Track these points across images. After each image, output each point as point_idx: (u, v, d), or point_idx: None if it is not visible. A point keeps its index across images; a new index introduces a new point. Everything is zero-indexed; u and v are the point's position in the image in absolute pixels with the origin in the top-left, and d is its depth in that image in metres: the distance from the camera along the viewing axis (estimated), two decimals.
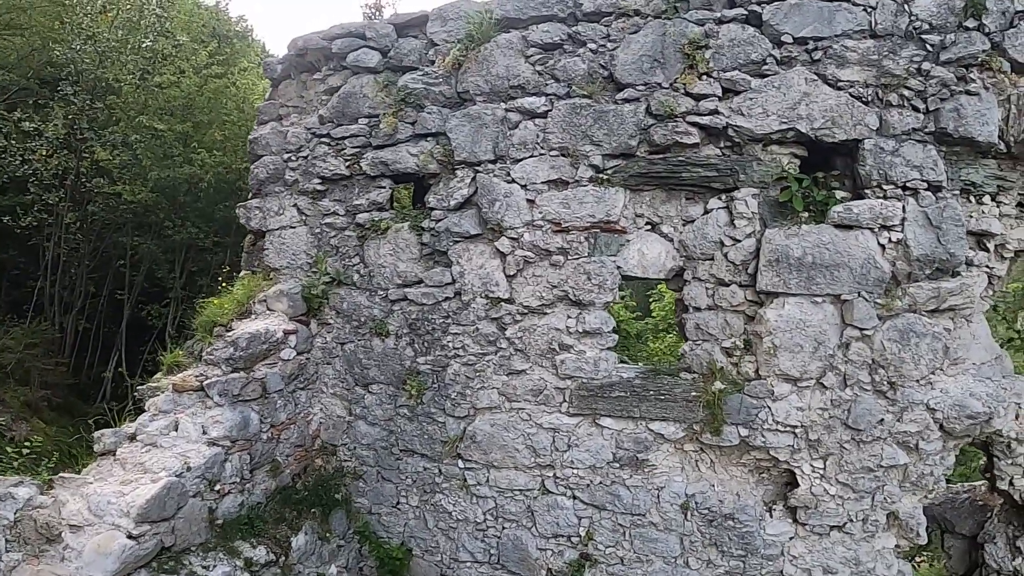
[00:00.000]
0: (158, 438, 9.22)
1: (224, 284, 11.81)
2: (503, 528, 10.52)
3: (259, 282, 10.94)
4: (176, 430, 9.32)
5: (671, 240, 9.61)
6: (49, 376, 21.59)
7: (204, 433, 9.30)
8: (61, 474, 8.99)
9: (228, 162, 19.63)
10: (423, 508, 10.77)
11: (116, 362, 21.81)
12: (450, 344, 10.37)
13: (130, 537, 7.94)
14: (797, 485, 9.59)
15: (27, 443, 13.57)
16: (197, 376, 9.75)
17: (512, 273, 10.07)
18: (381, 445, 10.79)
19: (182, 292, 21.67)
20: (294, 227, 11.06)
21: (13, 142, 19.55)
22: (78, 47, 19.90)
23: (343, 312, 10.82)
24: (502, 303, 10.14)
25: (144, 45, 20.71)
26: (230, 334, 10.00)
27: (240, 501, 9.61)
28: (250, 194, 11.51)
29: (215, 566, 8.83)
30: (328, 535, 10.51)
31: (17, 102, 21.35)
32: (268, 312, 10.56)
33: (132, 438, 9.27)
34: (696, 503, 9.77)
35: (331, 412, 11.01)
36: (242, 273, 12.05)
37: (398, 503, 10.88)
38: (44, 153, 19.28)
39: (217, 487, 9.21)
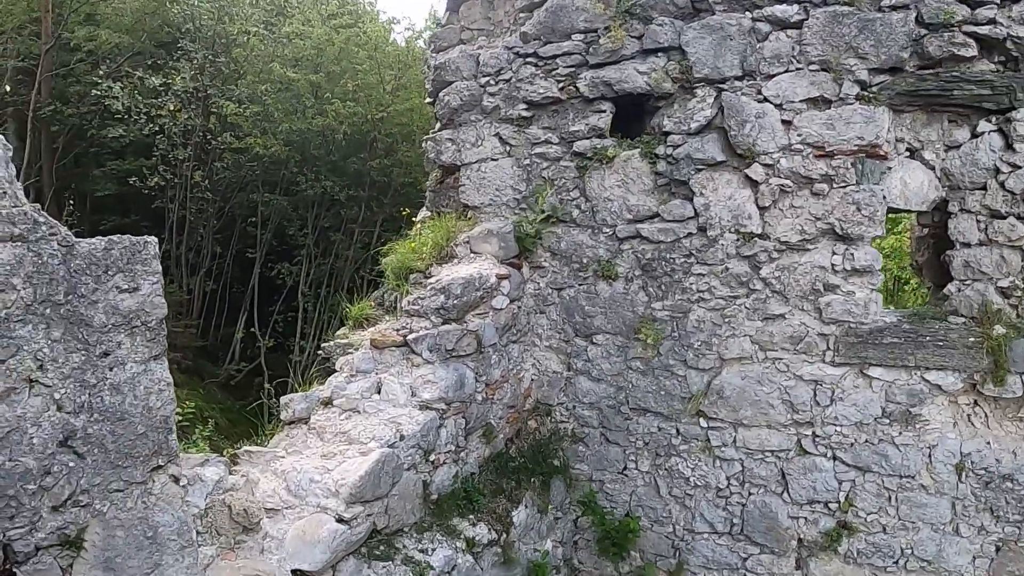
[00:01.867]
0: (360, 402, 7.61)
1: (414, 227, 9.99)
2: (749, 494, 8.84)
3: (455, 222, 9.11)
4: (379, 392, 7.72)
5: (932, 168, 8.27)
6: (178, 339, 20.41)
7: (413, 395, 7.68)
8: (246, 447, 7.39)
9: (362, 112, 17.83)
10: (655, 473, 9.02)
11: (245, 322, 20.36)
12: (693, 286, 8.58)
13: (340, 521, 6.37)
14: None
15: (176, 410, 11.97)
16: (399, 330, 8.09)
17: (766, 204, 8.42)
18: (607, 403, 9.03)
19: (314, 249, 20.06)
20: (496, 159, 9.27)
21: (139, 98, 18.07)
22: (196, 2, 18.25)
23: (560, 253, 9.03)
24: (756, 238, 8.44)
25: None
26: (435, 280, 8.28)
27: (454, 472, 8.02)
28: (437, 125, 9.70)
29: (434, 549, 7.28)
30: (546, 507, 8.76)
31: (134, 65, 19.89)
32: (473, 255, 8.80)
33: (327, 403, 7.69)
34: (972, 462, 8.30)
35: (545, 367, 9.24)
36: (421, 214, 10.27)
37: (625, 468, 9.14)
38: (172, 108, 17.74)
39: (432, 457, 7.63)
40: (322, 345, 8.74)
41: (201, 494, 5.99)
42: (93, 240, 4.58)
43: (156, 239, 4.91)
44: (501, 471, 8.55)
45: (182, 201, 20.40)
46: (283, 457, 7.15)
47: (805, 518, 8.73)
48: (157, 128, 18.17)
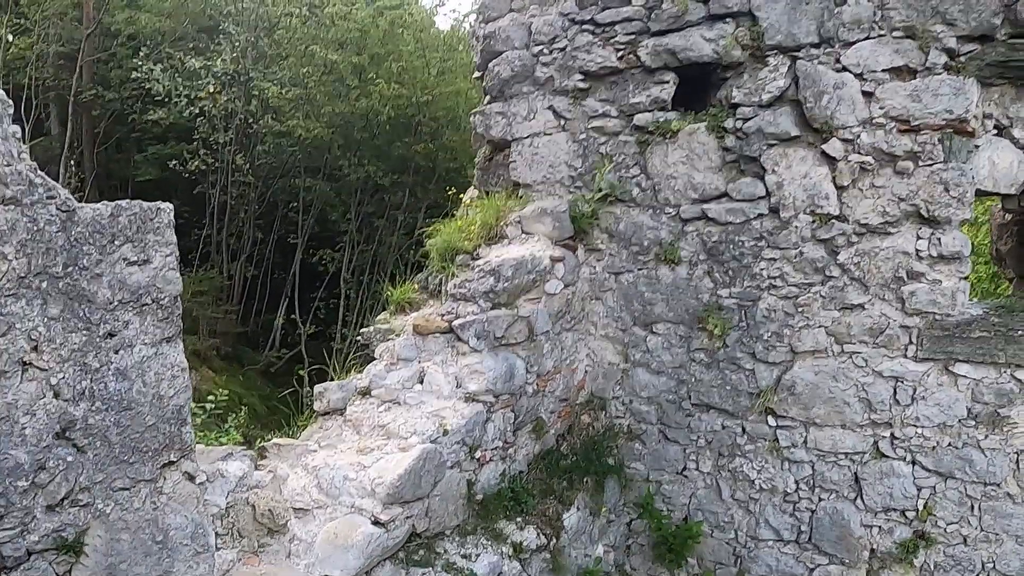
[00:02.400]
0: (400, 393, 6.96)
1: (461, 205, 9.26)
2: (819, 500, 8.04)
3: (505, 201, 8.38)
4: (421, 383, 7.08)
5: (1022, 148, 7.40)
6: (218, 324, 20.14)
7: (459, 386, 7.01)
8: (275, 440, 6.79)
9: (407, 95, 17.13)
10: (717, 475, 8.25)
11: (286, 309, 19.81)
12: (763, 272, 7.79)
13: (376, 523, 5.73)
14: None
15: (210, 397, 11.35)
16: (444, 315, 7.39)
17: (845, 183, 7.60)
18: (667, 398, 8.26)
19: (356, 236, 19.44)
20: (550, 133, 8.53)
21: (179, 80, 17.55)
22: None
23: (618, 235, 8.28)
24: (833, 221, 7.64)
25: None
26: (483, 262, 7.57)
27: (501, 471, 7.37)
28: (486, 98, 9.02)
29: (478, 555, 6.61)
30: (599, 509, 8.03)
31: (175, 49, 19.42)
32: (525, 236, 8.07)
33: (364, 393, 7.04)
34: None
35: (600, 358, 8.50)
36: (468, 194, 9.55)
37: (684, 469, 8.38)
38: (212, 90, 17.18)
39: (477, 454, 6.96)
40: (361, 331, 8.06)
41: (222, 492, 5.33)
42: (98, 205, 3.95)
43: (170, 205, 4.26)
44: (551, 470, 7.84)
45: (223, 186, 19.89)
46: (315, 451, 6.52)
47: (879, 527, 7.92)
48: (198, 111, 17.61)
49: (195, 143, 18.68)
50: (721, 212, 7.90)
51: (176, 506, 4.41)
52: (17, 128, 3.81)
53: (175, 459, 4.39)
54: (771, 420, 7.99)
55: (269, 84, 17.57)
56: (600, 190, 8.19)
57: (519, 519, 7.12)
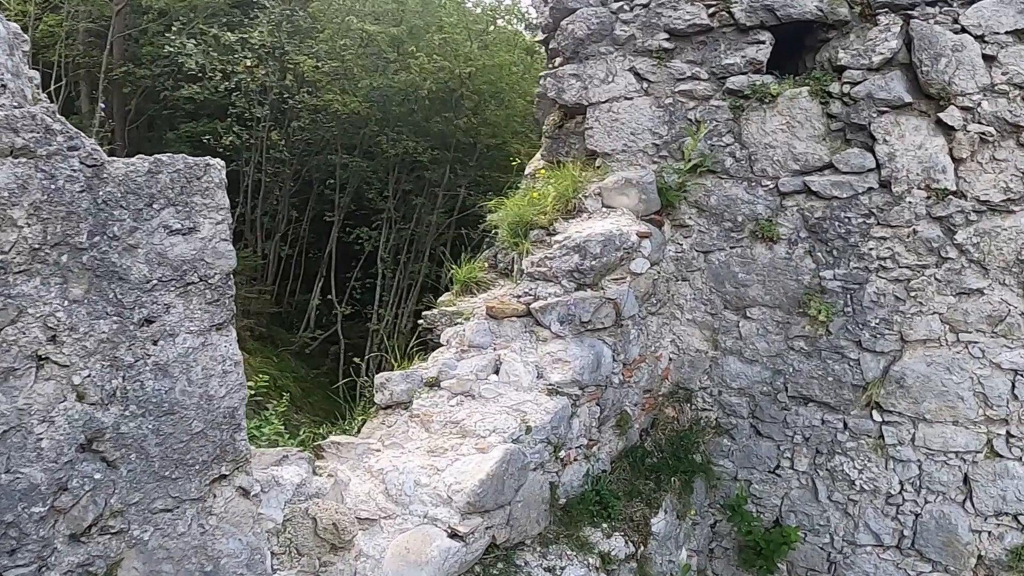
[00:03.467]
0: (474, 384, 6.07)
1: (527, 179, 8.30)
2: (925, 502, 7.17)
3: (581, 172, 7.46)
4: (497, 373, 6.18)
5: None
6: (252, 304, 19.23)
7: (540, 377, 6.13)
8: (332, 438, 5.89)
9: (449, 67, 16.15)
10: (813, 474, 7.36)
11: (321, 289, 18.96)
12: (872, 252, 6.88)
13: (454, 536, 4.87)
14: None
15: (248, 384, 10.45)
16: (520, 296, 6.54)
17: (963, 156, 6.70)
18: (761, 390, 7.37)
19: (394, 214, 18.53)
20: (631, 98, 7.59)
21: (214, 55, 16.67)
22: None
23: (709, 210, 7.38)
24: (950, 196, 6.74)
25: None
26: (564, 238, 6.70)
27: (584, 471, 6.48)
28: (557, 60, 8.06)
29: (563, 567, 5.74)
30: (687, 512, 7.15)
31: (209, 24, 18.51)
32: (606, 210, 7.17)
33: (433, 385, 6.15)
34: None
35: (687, 345, 7.59)
36: (532, 165, 8.64)
37: (777, 467, 7.50)
38: (249, 64, 16.28)
39: (561, 454, 6.07)
40: (424, 314, 7.17)
41: (278, 504, 4.45)
42: (132, 160, 3.07)
43: (222, 162, 3.45)
44: (636, 469, 6.98)
45: (258, 163, 19.02)
46: (379, 451, 5.67)
47: (989, 532, 7.07)
48: (233, 85, 16.71)
49: (229, 119, 17.78)
50: (825, 185, 6.97)
51: (229, 528, 3.60)
52: (36, 74, 2.96)
53: (227, 472, 3.59)
54: (876, 415, 7.10)
55: (305, 57, 16.63)
56: (689, 160, 7.25)
57: (605, 525, 6.26)
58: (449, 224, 18.36)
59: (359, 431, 6.37)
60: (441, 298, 7.32)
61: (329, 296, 18.56)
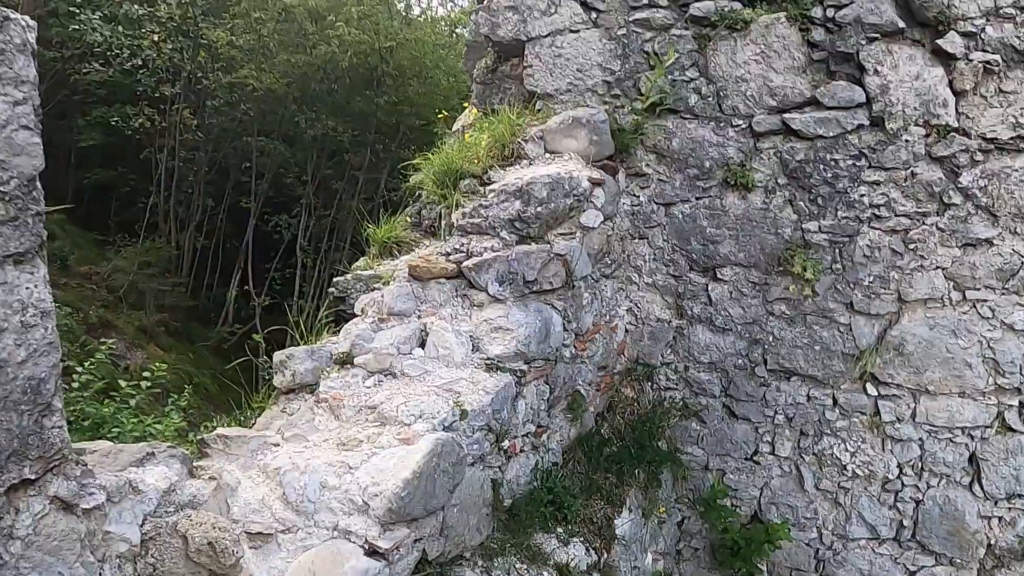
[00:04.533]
0: (395, 360, 4.71)
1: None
2: (928, 487, 6.03)
3: (518, 116, 6.11)
4: (423, 346, 4.84)
5: None
6: (166, 298, 17.69)
7: (476, 349, 4.85)
8: (219, 430, 4.49)
9: (369, 41, 14.65)
10: (798, 460, 6.16)
11: (239, 281, 17.33)
12: (864, 199, 5.70)
13: (373, 553, 3.58)
14: None
15: (145, 374, 8.94)
16: (449, 254, 5.19)
17: (965, 88, 5.54)
18: (736, 363, 6.14)
19: (314, 200, 16.96)
20: (577, 30, 6.29)
21: (120, 29, 14.96)
22: None
23: (671, 155, 6.08)
24: (953, 134, 5.57)
25: None
26: (501, 185, 5.30)
27: (533, 464, 5.22)
28: None
29: None
30: (652, 509, 5.86)
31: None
32: (550, 155, 5.87)
33: (344, 362, 4.81)
34: None
35: (646, 313, 6.30)
36: (462, 120, 7.28)
37: (756, 453, 6.27)
38: (156, 39, 14.62)
39: (505, 444, 4.80)
40: (334, 280, 5.78)
41: (134, 518, 3.07)
42: None
43: (28, 18, 2.08)
44: (593, 460, 5.69)
45: (172, 150, 17.27)
46: (277, 445, 4.32)
47: (1000, 518, 5.98)
48: (140, 62, 15.00)
49: (142, 102, 16.05)
50: (808, 123, 5.73)
51: (42, 558, 2.28)
52: None
53: (34, 476, 2.27)
54: (871, 388, 5.92)
55: (218, 31, 15.00)
56: (648, 97, 5.94)
57: (560, 530, 4.98)
58: (371, 210, 16.86)
59: (255, 421, 4.96)
60: (357, 263, 5.92)
61: (247, 287, 16.93)
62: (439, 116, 7.48)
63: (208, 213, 18.47)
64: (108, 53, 15.48)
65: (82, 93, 18.43)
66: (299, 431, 4.46)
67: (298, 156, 17.38)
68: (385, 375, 4.65)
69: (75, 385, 8.11)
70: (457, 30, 17.92)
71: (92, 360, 8.56)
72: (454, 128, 7.30)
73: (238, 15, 15.46)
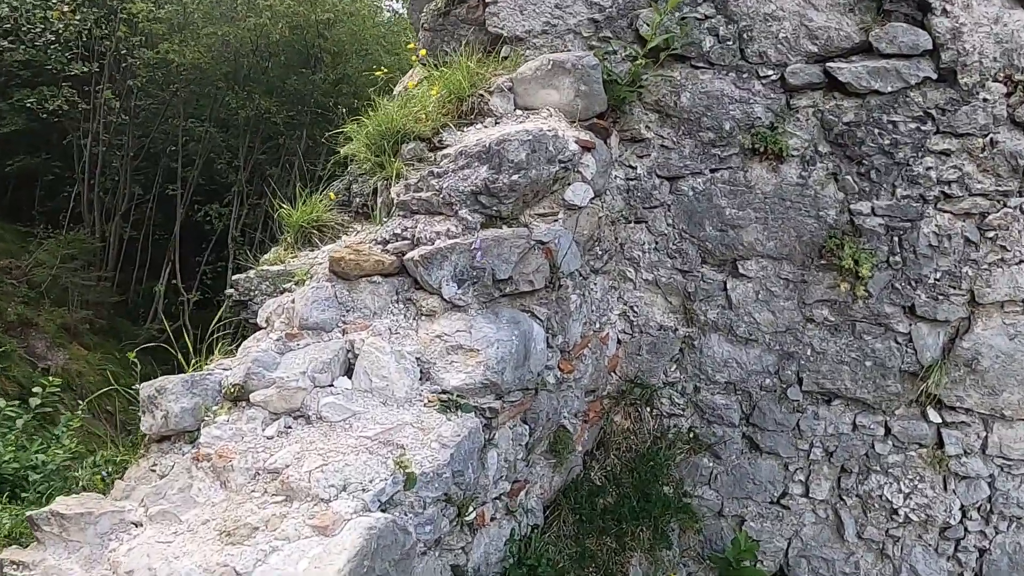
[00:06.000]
0: (308, 395, 3.17)
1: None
2: (996, 533, 4.58)
3: (478, 65, 4.43)
4: (349, 375, 3.27)
5: None
6: (90, 294, 15.75)
7: (425, 378, 3.29)
8: (55, 505, 3.00)
9: (304, 13, 12.80)
10: (837, 502, 4.66)
11: (168, 275, 15.44)
12: (930, 174, 4.21)
13: None
14: None
15: (35, 389, 7.05)
16: (386, 243, 3.59)
17: None
18: (762, 383, 4.58)
19: (247, 188, 15.08)
20: None
21: (30, 2, 13.01)
22: None
23: (678, 113, 4.49)
24: None
25: None
26: (460, 148, 3.65)
27: (507, 533, 3.67)
28: None
29: None
30: (655, 570, 4.28)
31: None
32: (522, 112, 4.23)
33: (237, 399, 3.20)
34: None
35: (645, 319, 4.70)
36: (408, 78, 5.62)
37: (784, 495, 4.73)
38: (65, 8, 12.66)
39: (470, 516, 3.23)
40: (233, 279, 4.11)
41: None
42: None
43: None
44: (583, 517, 4.14)
45: (96, 134, 15.27)
46: (139, 525, 2.72)
47: None
48: (52, 37, 12.98)
49: (61, 81, 14.05)
50: (859, 74, 4.19)
51: None
52: None
53: None
54: (933, 414, 4.44)
55: (138, 3, 13.02)
56: (653, 39, 4.34)
57: None
58: (307, 197, 15.07)
59: (112, 487, 3.31)
60: (266, 256, 4.26)
61: (174, 281, 15.02)
62: (377, 72, 5.81)
63: (136, 202, 16.50)
64: (17, 27, 13.45)
65: (4, 75, 16.40)
66: (169, 505, 2.86)
67: (230, 141, 15.47)
68: (295, 418, 3.06)
69: None
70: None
71: None
72: (397, 89, 5.65)
73: None
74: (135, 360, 4.11)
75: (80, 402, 8.09)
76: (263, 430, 3.00)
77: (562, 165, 3.79)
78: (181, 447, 3.17)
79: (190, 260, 15.97)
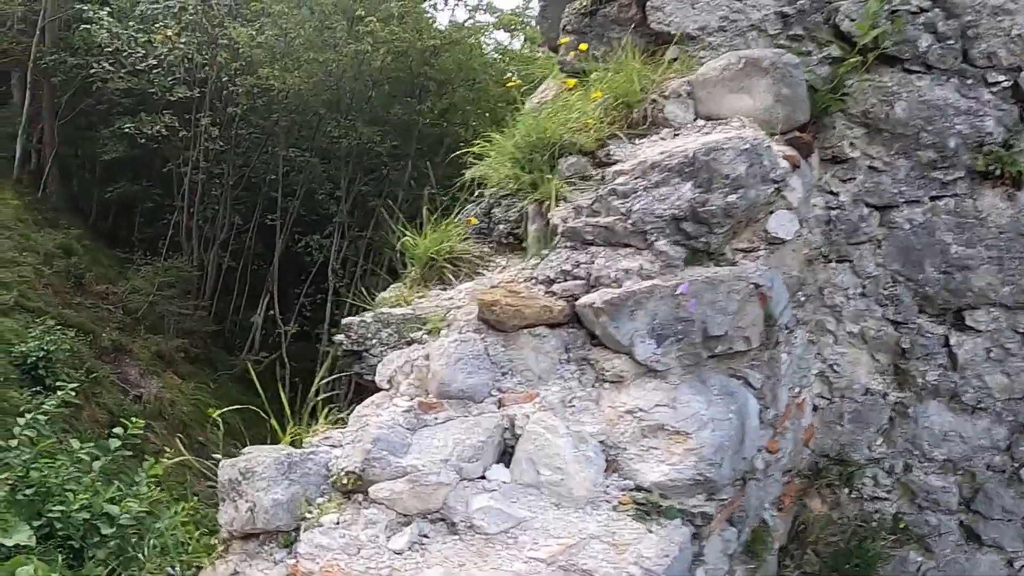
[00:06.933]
0: (453, 492, 2.24)
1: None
2: None
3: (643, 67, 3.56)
4: (507, 462, 2.36)
5: None
6: (186, 322, 15.52)
7: (612, 470, 2.33)
8: None
9: (409, 39, 12.25)
10: None
11: (266, 305, 14.99)
12: None
13: None
14: None
15: (116, 430, 6.27)
16: (550, 282, 2.80)
17: None
18: (988, 461, 3.62)
19: (348, 219, 14.56)
20: None
21: (131, 24, 12.85)
22: None
23: (890, 127, 3.57)
24: None
25: None
26: (638, 162, 2.77)
27: None
28: None
29: None
30: None
31: None
32: (705, 123, 3.33)
33: (351, 490, 2.29)
34: None
35: (847, 380, 3.76)
36: (538, 96, 4.76)
37: None
38: (169, 33, 12.41)
39: None
40: (344, 323, 3.20)
41: None
42: None
43: None
44: None
45: (196, 162, 15.06)
46: None
47: None
48: (154, 62, 12.76)
49: (159, 105, 13.89)
50: None
51: None
52: None
53: None
54: None
55: (239, 28, 12.73)
56: (865, 35, 3.45)
57: None
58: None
59: None
60: (382, 294, 3.44)
61: (272, 312, 14.58)
62: (509, 85, 5.06)
63: (235, 231, 16.23)
64: (119, 52, 13.33)
65: (107, 103, 16.43)
66: None
67: (332, 171, 15.03)
68: (432, 523, 2.23)
69: (12, 442, 5.63)
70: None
71: (42, 405, 6.09)
72: (531, 103, 4.84)
73: (262, 12, 13.20)
74: (218, 421, 3.30)
75: (168, 433, 7.50)
76: (387, 540, 2.14)
77: (775, 186, 2.92)
78: (273, 551, 2.34)
79: (288, 291, 15.63)
